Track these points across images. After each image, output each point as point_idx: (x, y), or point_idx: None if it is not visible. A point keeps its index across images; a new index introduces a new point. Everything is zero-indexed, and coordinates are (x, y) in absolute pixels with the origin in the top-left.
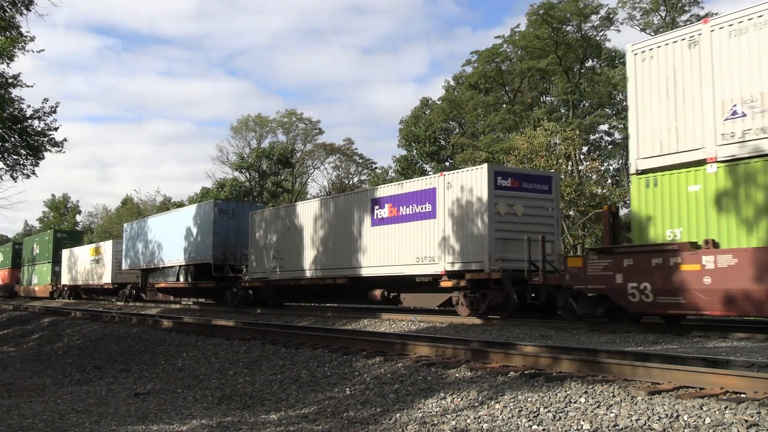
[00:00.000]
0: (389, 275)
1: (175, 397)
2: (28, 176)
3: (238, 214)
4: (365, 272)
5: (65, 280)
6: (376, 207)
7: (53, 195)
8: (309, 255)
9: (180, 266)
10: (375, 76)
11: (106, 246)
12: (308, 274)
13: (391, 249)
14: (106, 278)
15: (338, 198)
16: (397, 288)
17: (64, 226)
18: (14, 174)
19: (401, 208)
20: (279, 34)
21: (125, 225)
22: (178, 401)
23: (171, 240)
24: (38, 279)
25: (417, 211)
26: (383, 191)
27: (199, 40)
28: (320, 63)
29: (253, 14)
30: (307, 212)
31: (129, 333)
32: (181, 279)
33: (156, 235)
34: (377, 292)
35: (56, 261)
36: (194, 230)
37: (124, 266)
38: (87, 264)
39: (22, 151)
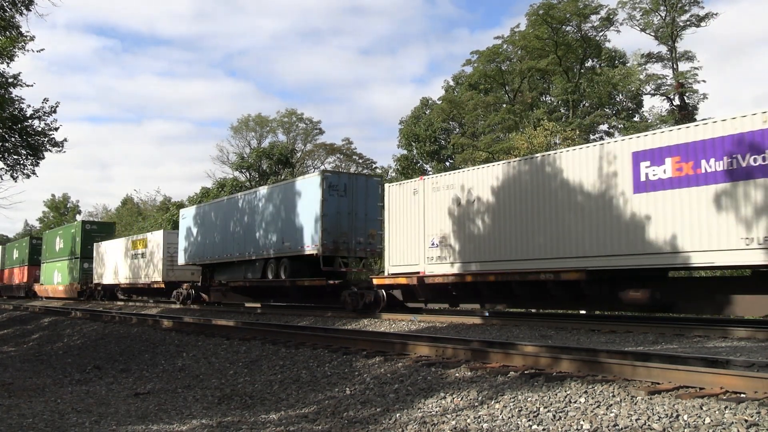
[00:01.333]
0: (674, 265)
1: (175, 397)
2: (28, 176)
3: (351, 190)
4: (625, 262)
5: (99, 278)
6: (646, 163)
7: (53, 195)
8: (503, 239)
9: (268, 259)
10: (373, 76)
11: (155, 237)
12: (503, 266)
13: (680, 225)
14: (156, 276)
15: (560, 155)
16: (677, 287)
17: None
18: (14, 174)
19: (702, 162)
20: (278, 35)
21: (182, 211)
22: (178, 401)
23: (252, 227)
24: (62, 277)
25: (741, 165)
26: (659, 139)
27: (198, 41)
28: (319, 64)
29: (252, 15)
30: (496, 179)
31: (129, 333)
32: (269, 275)
33: (228, 221)
34: (638, 294)
35: (86, 256)
36: (291, 213)
37: (180, 261)
38: (127, 259)
39: (22, 151)
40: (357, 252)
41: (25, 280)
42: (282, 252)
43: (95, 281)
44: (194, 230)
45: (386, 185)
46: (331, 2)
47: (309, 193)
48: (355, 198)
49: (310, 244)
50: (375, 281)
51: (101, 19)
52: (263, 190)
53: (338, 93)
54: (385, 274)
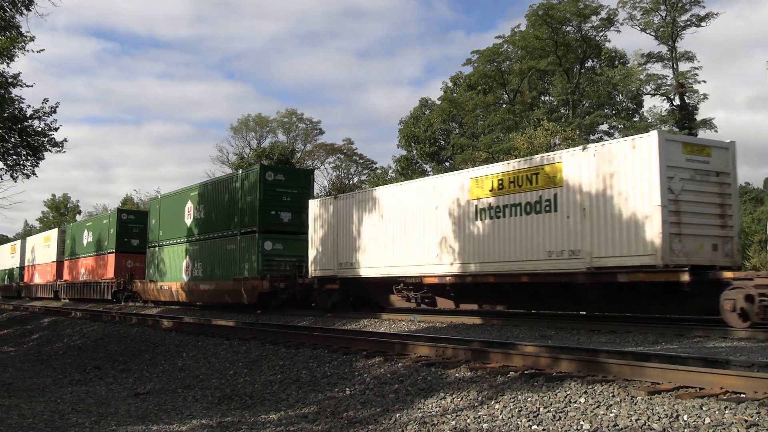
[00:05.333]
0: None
1: (175, 397)
2: (28, 176)
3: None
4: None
5: (339, 266)
6: None
7: (53, 195)
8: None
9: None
10: (371, 79)
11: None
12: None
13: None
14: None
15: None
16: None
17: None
18: (14, 174)
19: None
20: (276, 38)
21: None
22: (178, 401)
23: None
24: (212, 268)
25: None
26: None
27: (197, 43)
28: (317, 66)
29: (250, 18)
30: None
31: (129, 333)
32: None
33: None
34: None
35: (266, 231)
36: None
37: (312, 268)
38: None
39: (22, 151)
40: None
41: (110, 275)
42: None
43: (316, 270)
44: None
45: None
46: (328, 5)
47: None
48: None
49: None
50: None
51: (101, 22)
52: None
53: (336, 95)
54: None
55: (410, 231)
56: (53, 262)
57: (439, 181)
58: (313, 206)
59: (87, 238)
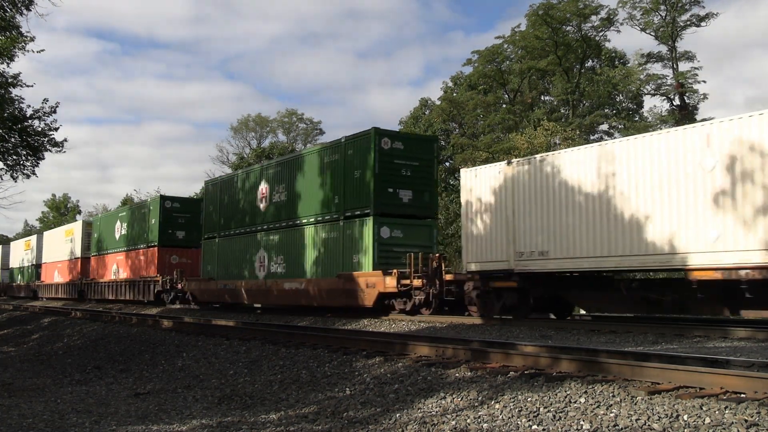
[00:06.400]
0: None
1: (175, 397)
2: (28, 176)
3: None
4: None
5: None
6: None
7: (53, 195)
8: None
9: None
10: (371, 79)
11: None
12: None
13: None
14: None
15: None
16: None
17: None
18: (14, 174)
19: None
20: (276, 39)
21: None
22: (178, 401)
23: None
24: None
25: None
26: None
27: (196, 44)
28: (317, 67)
29: (250, 19)
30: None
31: (129, 333)
32: None
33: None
34: None
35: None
36: None
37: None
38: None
39: (22, 151)
40: None
41: (151, 273)
42: None
43: (475, 264)
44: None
45: None
46: (328, 7)
47: None
48: None
49: None
50: None
51: (101, 23)
52: None
53: (336, 95)
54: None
55: (656, 203)
56: (77, 258)
57: (722, 128)
58: (468, 177)
59: (120, 230)
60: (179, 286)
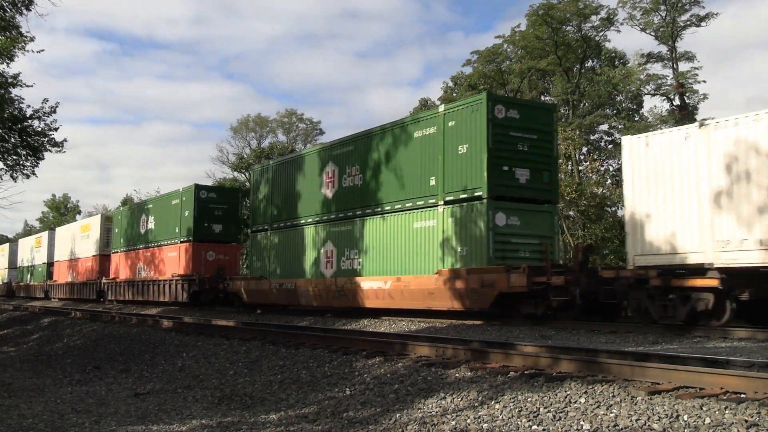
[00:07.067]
0: None
1: (175, 397)
2: (28, 176)
3: None
4: None
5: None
6: None
7: (53, 195)
8: None
9: None
10: (370, 79)
11: None
12: None
13: None
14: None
15: None
16: None
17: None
18: (14, 174)
19: None
20: (275, 39)
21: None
22: (178, 401)
23: None
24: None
25: None
26: None
27: (196, 44)
28: (316, 67)
29: (250, 20)
30: None
31: (129, 333)
32: None
33: None
34: None
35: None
36: None
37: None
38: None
39: (22, 151)
40: None
41: (184, 271)
42: None
43: (645, 257)
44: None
45: None
46: (327, 7)
47: None
48: None
49: None
50: None
51: (100, 23)
52: None
53: (335, 96)
54: None
55: None
56: (94, 256)
57: None
58: (635, 147)
59: (146, 224)
60: (221, 286)
